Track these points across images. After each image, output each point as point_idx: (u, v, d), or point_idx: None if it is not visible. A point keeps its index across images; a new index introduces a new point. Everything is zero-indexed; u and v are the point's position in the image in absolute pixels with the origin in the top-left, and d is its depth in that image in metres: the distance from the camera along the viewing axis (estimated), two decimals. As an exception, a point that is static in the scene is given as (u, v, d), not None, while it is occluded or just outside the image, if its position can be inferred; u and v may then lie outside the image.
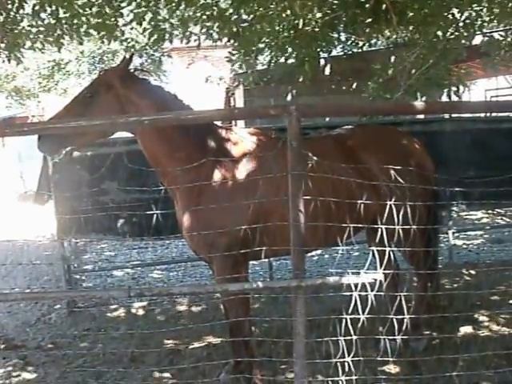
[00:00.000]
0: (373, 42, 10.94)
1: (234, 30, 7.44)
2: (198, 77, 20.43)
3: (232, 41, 7.73)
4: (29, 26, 7.36)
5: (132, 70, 4.67)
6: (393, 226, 3.78)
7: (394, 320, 4.20)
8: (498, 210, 10.85)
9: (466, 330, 5.66)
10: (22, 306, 7.34)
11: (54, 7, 6.90)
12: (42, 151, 4.67)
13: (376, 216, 4.48)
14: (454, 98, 7.38)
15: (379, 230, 3.77)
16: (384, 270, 3.80)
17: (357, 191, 4.52)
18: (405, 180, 4.46)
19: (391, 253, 3.99)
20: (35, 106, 31.07)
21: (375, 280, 3.53)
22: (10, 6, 6.93)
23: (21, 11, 7.05)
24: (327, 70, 10.31)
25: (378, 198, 4.43)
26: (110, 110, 4.40)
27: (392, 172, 4.45)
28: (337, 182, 4.39)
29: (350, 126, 5.51)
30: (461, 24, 7.59)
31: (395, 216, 3.78)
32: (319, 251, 8.36)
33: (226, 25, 7.34)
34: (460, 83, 7.49)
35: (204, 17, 7.38)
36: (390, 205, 3.80)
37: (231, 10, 7.40)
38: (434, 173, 5.06)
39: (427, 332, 5.38)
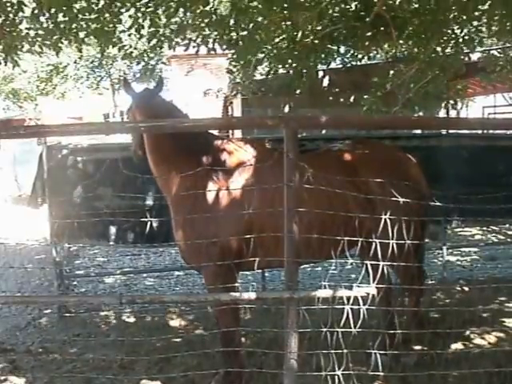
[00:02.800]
0: (372, 55, 10.96)
1: (234, 36, 7.46)
2: (197, 85, 20.48)
3: (231, 49, 7.74)
4: (27, 29, 7.32)
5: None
6: (386, 241, 3.78)
7: (386, 335, 4.22)
8: (493, 227, 10.84)
9: (458, 346, 5.64)
10: (13, 309, 7.27)
11: (52, 11, 6.89)
12: None
13: (370, 232, 4.48)
14: (452, 113, 7.40)
15: (373, 245, 3.79)
16: (377, 284, 3.76)
17: (352, 206, 4.53)
18: (400, 197, 4.44)
19: (385, 268, 3.96)
20: (32, 109, 31.05)
21: (368, 294, 3.54)
22: (9, 9, 6.91)
23: (20, 14, 7.03)
24: (325, 82, 10.34)
25: (373, 214, 4.42)
26: None
27: (389, 189, 4.47)
28: (332, 195, 4.38)
29: (348, 141, 5.46)
30: (460, 40, 7.63)
31: (389, 232, 3.80)
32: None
33: (225, 32, 7.35)
34: (458, 97, 7.51)
35: (203, 24, 7.39)
36: (385, 220, 3.83)
37: (230, 18, 7.41)
38: (427, 191, 5.04)
39: (418, 347, 5.35)
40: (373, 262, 3.88)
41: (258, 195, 4.41)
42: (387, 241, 3.79)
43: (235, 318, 4.62)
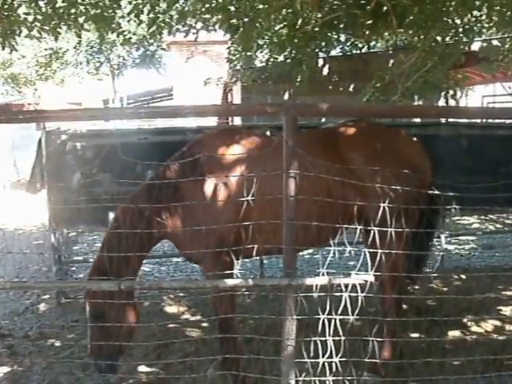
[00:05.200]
0: (372, 44, 10.92)
1: (234, 22, 7.42)
2: (197, 72, 20.39)
3: (231, 36, 7.71)
4: (25, 13, 7.26)
5: None
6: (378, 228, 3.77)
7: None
8: (491, 216, 10.85)
9: (455, 334, 5.66)
10: (11, 294, 7.29)
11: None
12: None
13: (362, 216, 4.46)
14: (451, 102, 7.37)
15: (371, 230, 3.80)
16: (375, 271, 3.76)
17: (336, 188, 4.43)
18: (390, 179, 4.33)
19: (383, 255, 3.95)
20: (32, 94, 30.89)
21: (366, 281, 3.55)
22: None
23: (18, -2, 6.99)
24: (325, 70, 10.31)
25: (362, 197, 4.37)
26: None
27: (375, 163, 4.38)
28: (315, 177, 4.29)
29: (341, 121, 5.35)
30: (460, 29, 7.60)
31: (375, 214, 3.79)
32: (311, 251, 8.37)
33: (226, 18, 7.32)
34: (457, 86, 7.49)
35: (203, 9, 7.36)
36: (375, 205, 3.84)
37: (231, 4, 7.38)
38: (432, 176, 4.96)
39: (415, 335, 5.37)
40: (370, 250, 3.89)
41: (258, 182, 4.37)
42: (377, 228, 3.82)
43: (232, 304, 4.62)
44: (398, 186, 4.21)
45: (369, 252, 3.98)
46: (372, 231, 3.86)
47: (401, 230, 4.31)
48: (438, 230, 7.10)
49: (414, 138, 5.14)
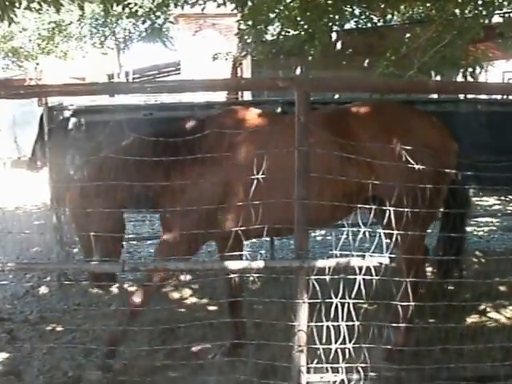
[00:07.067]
0: (388, 17, 10.72)
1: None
2: (206, 45, 20.13)
3: (240, 9, 7.51)
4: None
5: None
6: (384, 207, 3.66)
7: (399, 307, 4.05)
8: (511, 197, 10.63)
9: (473, 320, 5.54)
10: (11, 277, 7.20)
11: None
12: None
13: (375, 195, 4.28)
14: (470, 79, 7.14)
15: (386, 210, 3.66)
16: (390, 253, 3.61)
17: (347, 166, 4.25)
18: (400, 158, 4.12)
19: (399, 236, 3.80)
20: (33, 69, 30.71)
21: (381, 264, 3.43)
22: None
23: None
24: (339, 45, 10.13)
25: (373, 174, 4.17)
26: None
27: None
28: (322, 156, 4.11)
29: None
30: (480, 2, 7.35)
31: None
32: (323, 232, 8.25)
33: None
34: (476, 64, 7.26)
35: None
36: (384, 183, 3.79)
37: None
38: (455, 157, 4.72)
39: (432, 321, 5.20)
40: (385, 231, 3.74)
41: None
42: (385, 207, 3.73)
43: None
44: (410, 165, 4.03)
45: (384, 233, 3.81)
46: (386, 212, 3.69)
47: (416, 210, 4.11)
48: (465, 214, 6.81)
49: (434, 118, 4.89)
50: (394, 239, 3.69)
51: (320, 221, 4.51)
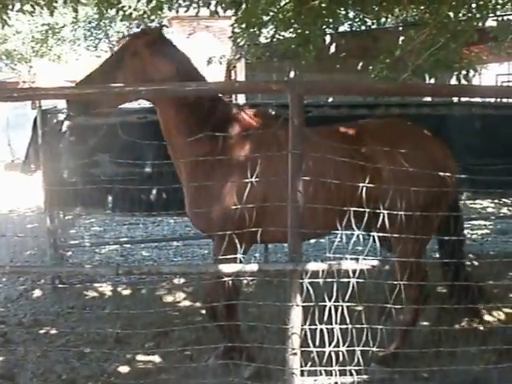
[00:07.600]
0: (382, 20, 10.74)
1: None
2: (199, 48, 20.11)
3: (233, 11, 7.51)
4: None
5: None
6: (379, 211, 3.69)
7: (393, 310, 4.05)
8: (505, 200, 10.70)
9: (466, 322, 5.53)
10: (4, 280, 7.16)
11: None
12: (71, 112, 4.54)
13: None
14: (464, 82, 7.16)
15: (380, 216, 3.68)
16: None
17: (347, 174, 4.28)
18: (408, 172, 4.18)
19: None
20: (27, 72, 30.66)
21: (374, 267, 3.46)
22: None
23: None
24: (333, 48, 10.14)
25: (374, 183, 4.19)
26: (133, 75, 4.29)
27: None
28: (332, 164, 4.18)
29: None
30: (473, 5, 7.38)
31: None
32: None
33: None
34: (470, 67, 7.27)
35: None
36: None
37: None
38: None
39: (425, 323, 5.26)
40: (380, 234, 3.75)
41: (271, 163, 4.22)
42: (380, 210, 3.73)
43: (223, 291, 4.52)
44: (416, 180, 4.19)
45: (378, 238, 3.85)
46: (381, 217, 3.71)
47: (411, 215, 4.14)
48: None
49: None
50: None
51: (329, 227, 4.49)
